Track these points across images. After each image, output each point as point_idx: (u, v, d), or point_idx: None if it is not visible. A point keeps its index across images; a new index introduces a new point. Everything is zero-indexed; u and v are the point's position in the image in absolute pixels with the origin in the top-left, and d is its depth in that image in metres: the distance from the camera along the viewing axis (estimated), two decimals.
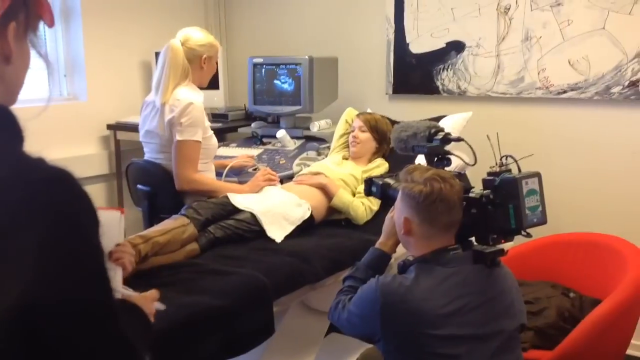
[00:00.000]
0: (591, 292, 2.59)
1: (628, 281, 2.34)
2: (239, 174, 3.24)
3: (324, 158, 3.38)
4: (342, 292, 2.06)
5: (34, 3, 0.95)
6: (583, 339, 2.22)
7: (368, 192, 2.28)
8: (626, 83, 3.10)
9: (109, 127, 4.02)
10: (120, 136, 4.00)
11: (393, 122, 3.29)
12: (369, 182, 2.27)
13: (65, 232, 0.85)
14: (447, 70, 3.63)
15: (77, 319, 0.86)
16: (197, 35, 2.91)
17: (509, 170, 1.88)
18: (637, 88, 3.07)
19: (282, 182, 3.08)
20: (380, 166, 3.14)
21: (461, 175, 1.97)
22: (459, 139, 2.17)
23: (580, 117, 3.29)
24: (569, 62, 3.24)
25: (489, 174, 1.90)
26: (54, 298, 0.83)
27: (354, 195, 2.99)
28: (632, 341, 2.49)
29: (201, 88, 2.96)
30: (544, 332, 2.42)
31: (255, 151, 3.60)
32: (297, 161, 3.42)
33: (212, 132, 2.95)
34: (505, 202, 1.83)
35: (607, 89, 3.16)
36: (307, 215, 2.78)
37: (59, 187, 0.87)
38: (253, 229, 2.63)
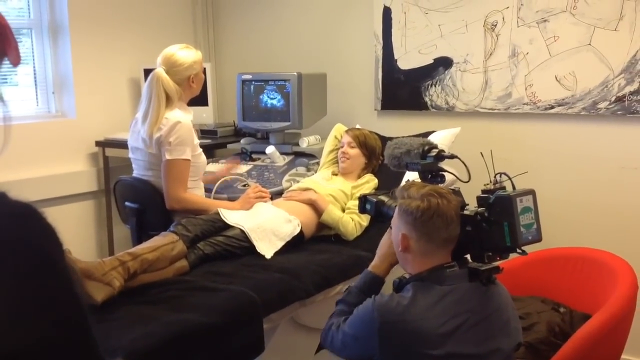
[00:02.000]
0: (581, 306, 2.58)
1: (618, 295, 2.35)
2: (229, 187, 3.24)
3: (313, 174, 3.38)
4: (334, 316, 2.04)
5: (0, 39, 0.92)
6: (574, 354, 2.22)
7: (362, 210, 2.27)
8: (613, 98, 3.13)
9: (98, 143, 4.01)
10: (108, 153, 3.98)
11: (382, 138, 3.32)
12: (363, 200, 2.26)
13: (36, 269, 0.82)
14: (435, 86, 3.65)
15: (58, 355, 0.83)
16: (180, 58, 2.86)
17: (504, 188, 1.89)
18: (624, 103, 3.10)
19: (272, 198, 3.08)
20: (369, 182, 3.14)
21: (456, 192, 1.97)
22: (452, 156, 2.17)
23: (568, 132, 3.31)
24: (556, 78, 3.27)
25: (484, 191, 1.89)
26: (32, 339, 0.79)
27: (343, 210, 2.99)
28: (623, 356, 2.49)
29: (193, 101, 2.97)
30: (535, 347, 2.42)
31: (244, 167, 3.59)
32: (286, 177, 3.42)
33: (200, 149, 2.94)
34: (500, 219, 1.82)
35: (594, 104, 3.18)
36: (297, 231, 2.77)
37: (26, 223, 0.84)
38: (243, 245, 2.62)
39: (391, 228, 2.01)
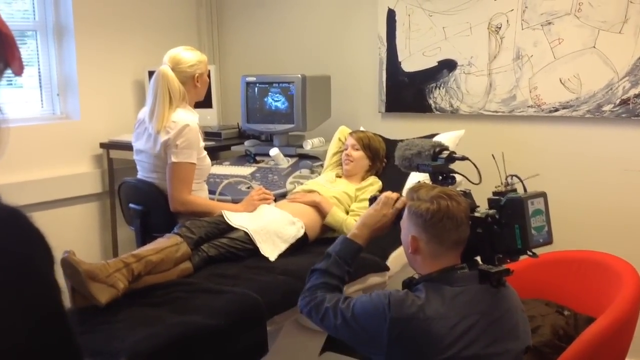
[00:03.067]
0: (585, 309, 2.58)
1: (622, 299, 2.34)
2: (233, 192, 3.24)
3: (317, 176, 3.38)
4: (318, 288, 2.00)
5: (3, 49, 0.92)
6: (578, 357, 2.21)
7: None
8: (617, 101, 3.12)
9: (102, 145, 4.01)
10: (113, 155, 3.99)
11: (386, 140, 3.32)
12: (373, 201, 2.27)
13: (19, 275, 0.80)
14: (439, 88, 3.65)
15: None
16: (186, 56, 2.88)
17: (515, 190, 1.88)
18: (629, 106, 3.09)
19: (275, 200, 3.08)
20: (373, 184, 3.14)
21: (466, 194, 1.97)
22: (464, 158, 2.18)
23: (572, 135, 3.31)
24: (560, 81, 3.26)
25: (495, 193, 1.89)
26: (13, 347, 0.77)
27: (347, 213, 2.99)
28: (627, 359, 2.48)
29: (197, 103, 2.97)
30: (539, 351, 2.41)
31: (248, 169, 3.59)
32: (290, 179, 3.42)
33: (206, 152, 2.95)
34: (511, 222, 1.82)
35: (599, 107, 3.18)
36: (301, 233, 2.77)
37: (10, 228, 0.82)
38: (247, 248, 2.62)
39: (376, 198, 2.08)
